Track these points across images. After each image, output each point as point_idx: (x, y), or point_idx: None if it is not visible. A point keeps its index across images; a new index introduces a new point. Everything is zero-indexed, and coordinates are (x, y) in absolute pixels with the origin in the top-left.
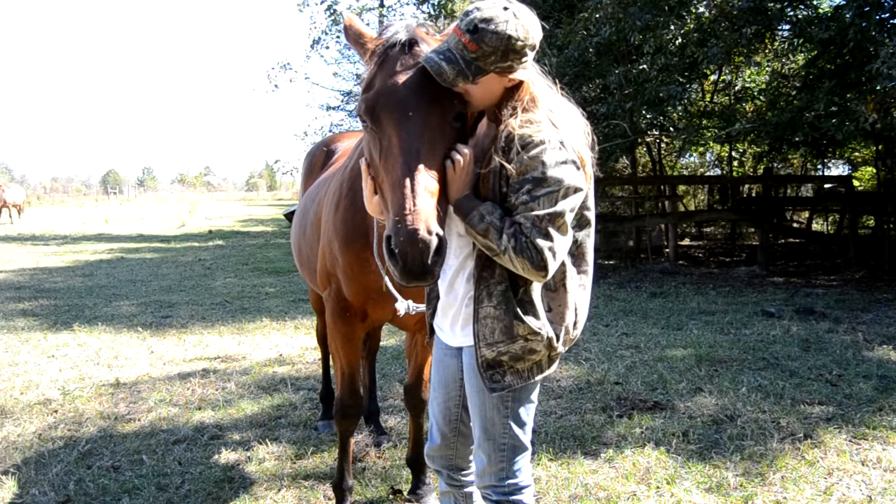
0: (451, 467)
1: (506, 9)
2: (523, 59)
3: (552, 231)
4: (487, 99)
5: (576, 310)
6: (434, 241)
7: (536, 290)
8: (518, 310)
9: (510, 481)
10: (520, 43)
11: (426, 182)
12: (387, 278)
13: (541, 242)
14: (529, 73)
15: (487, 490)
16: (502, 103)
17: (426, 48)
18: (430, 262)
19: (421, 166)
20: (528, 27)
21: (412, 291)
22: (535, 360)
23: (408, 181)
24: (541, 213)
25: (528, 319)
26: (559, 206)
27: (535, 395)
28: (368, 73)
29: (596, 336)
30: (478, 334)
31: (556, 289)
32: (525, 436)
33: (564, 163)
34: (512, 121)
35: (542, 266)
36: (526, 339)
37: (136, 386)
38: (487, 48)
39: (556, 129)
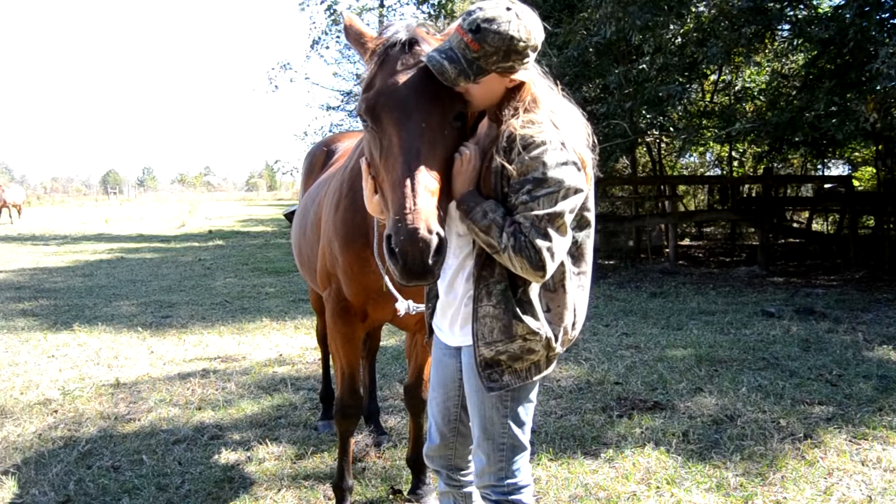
0: (450, 467)
1: (508, 9)
2: (525, 60)
3: (551, 231)
4: (488, 99)
5: (574, 310)
6: (434, 241)
7: (535, 290)
8: (517, 309)
9: (509, 481)
10: (522, 44)
11: (426, 181)
12: (387, 278)
13: (539, 242)
14: (531, 73)
15: (487, 490)
16: (503, 103)
17: (427, 48)
18: (430, 261)
19: (421, 166)
20: (530, 28)
21: (412, 291)
22: (534, 360)
23: (408, 180)
24: (540, 213)
25: (527, 319)
26: (559, 207)
27: (534, 395)
28: (369, 73)
29: (596, 336)
30: (476, 333)
31: (555, 289)
32: (524, 435)
33: (565, 164)
34: (513, 121)
35: (540, 266)
36: (524, 338)
37: (136, 386)
38: (490, 48)
39: (557, 130)
